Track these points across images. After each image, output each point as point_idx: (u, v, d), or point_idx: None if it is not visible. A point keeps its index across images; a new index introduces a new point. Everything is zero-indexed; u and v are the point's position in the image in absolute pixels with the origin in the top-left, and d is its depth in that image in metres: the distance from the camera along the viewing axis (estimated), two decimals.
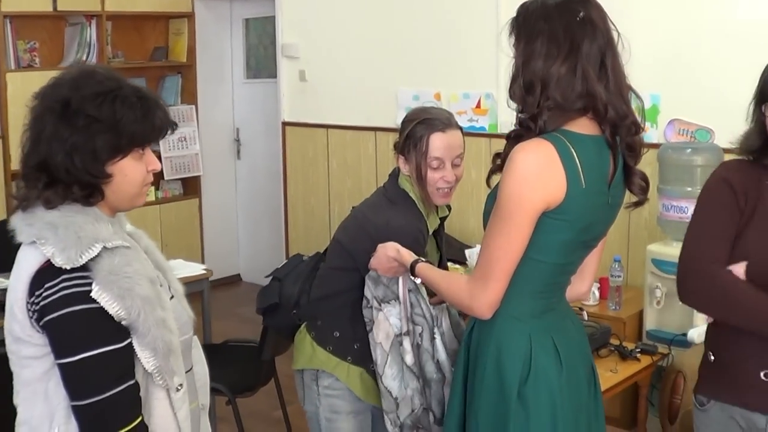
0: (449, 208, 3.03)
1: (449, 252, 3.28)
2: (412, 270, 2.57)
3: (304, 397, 3.03)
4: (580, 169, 2.17)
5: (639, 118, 2.27)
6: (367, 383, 2.91)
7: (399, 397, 2.71)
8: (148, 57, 7.20)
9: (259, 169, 7.57)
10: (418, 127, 2.83)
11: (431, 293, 2.64)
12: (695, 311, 4.04)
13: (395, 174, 2.94)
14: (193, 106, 7.25)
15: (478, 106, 5.64)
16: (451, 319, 2.72)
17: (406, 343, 2.69)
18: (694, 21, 4.70)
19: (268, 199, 7.38)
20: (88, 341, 1.90)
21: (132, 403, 1.96)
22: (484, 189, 5.26)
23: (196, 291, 4.54)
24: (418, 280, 2.58)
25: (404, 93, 5.97)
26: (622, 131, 2.23)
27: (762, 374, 2.39)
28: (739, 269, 2.36)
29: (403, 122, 2.91)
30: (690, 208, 4.27)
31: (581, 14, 2.17)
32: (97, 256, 1.91)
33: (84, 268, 1.90)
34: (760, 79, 2.42)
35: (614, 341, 3.95)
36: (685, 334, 4.01)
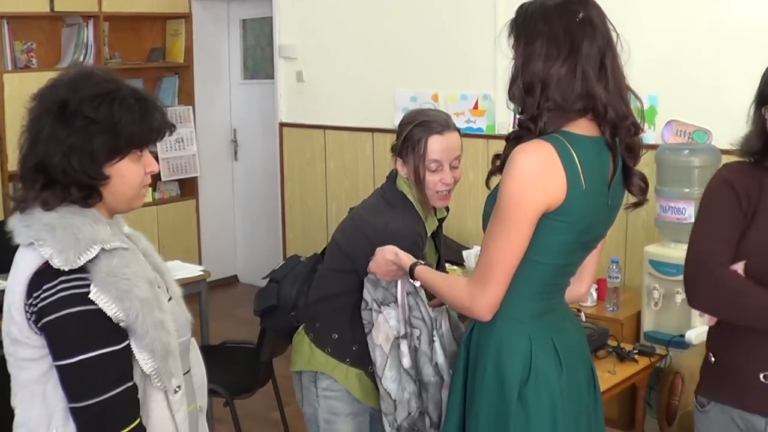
0: (447, 209, 3.03)
1: (447, 253, 3.27)
2: (411, 273, 2.56)
3: (302, 399, 3.03)
4: (580, 171, 2.16)
5: (638, 119, 2.27)
6: (365, 385, 2.90)
7: (397, 400, 2.71)
8: (145, 58, 7.20)
9: (257, 170, 7.56)
10: (415, 130, 2.83)
11: (431, 295, 2.63)
12: (693, 312, 4.05)
13: (393, 176, 2.93)
14: (190, 107, 7.25)
15: (476, 107, 5.63)
16: (450, 322, 2.72)
17: (404, 346, 2.69)
18: (692, 22, 4.70)
19: (265, 200, 7.38)
20: (87, 343, 1.89)
21: (130, 405, 1.95)
22: (481, 190, 5.30)
23: (194, 292, 4.53)
24: (417, 283, 2.58)
25: (402, 94, 5.97)
26: (621, 132, 2.23)
27: (762, 376, 2.39)
28: (737, 269, 2.37)
29: (401, 125, 2.90)
30: (688, 209, 4.30)
31: (581, 15, 2.16)
32: (95, 257, 1.91)
33: (82, 269, 1.89)
34: (760, 81, 2.42)
35: (612, 342, 3.95)
36: (682, 335, 4.01)
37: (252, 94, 7.55)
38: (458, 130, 2.90)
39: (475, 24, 5.54)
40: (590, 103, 2.17)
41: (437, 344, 2.67)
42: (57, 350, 1.91)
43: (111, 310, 1.90)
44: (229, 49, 7.63)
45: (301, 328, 3.02)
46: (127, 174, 2.02)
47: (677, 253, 4.28)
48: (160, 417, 2.03)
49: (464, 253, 5.13)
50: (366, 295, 2.76)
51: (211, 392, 3.48)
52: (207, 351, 2.89)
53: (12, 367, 2.02)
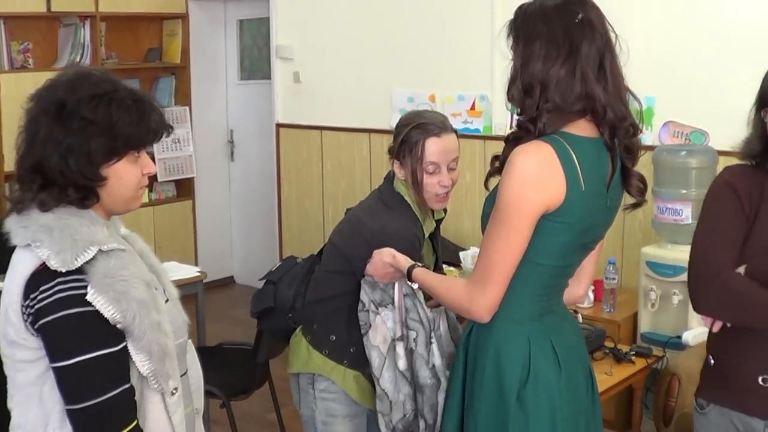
0: (445, 211, 3.02)
1: (444, 254, 3.27)
2: (408, 275, 2.56)
3: (299, 401, 3.02)
4: (579, 172, 2.16)
5: (636, 120, 2.27)
6: (363, 387, 2.90)
7: (393, 401, 2.71)
8: (141, 58, 7.19)
9: (253, 170, 7.56)
10: (413, 132, 2.82)
11: (429, 296, 2.63)
12: (690, 313, 4.05)
13: (390, 177, 2.92)
14: (187, 108, 7.24)
15: (473, 108, 5.63)
16: (449, 323, 2.71)
17: (399, 348, 2.69)
18: (689, 23, 4.71)
19: (261, 201, 7.37)
20: (83, 344, 1.89)
21: (127, 407, 1.95)
22: (478, 191, 5.31)
23: (190, 293, 4.53)
24: (416, 285, 2.58)
25: (399, 95, 5.97)
26: (620, 133, 2.23)
27: (760, 379, 2.39)
28: (740, 272, 2.37)
29: (398, 127, 2.89)
30: (685, 210, 4.30)
31: (580, 16, 2.16)
32: (92, 259, 1.90)
33: (79, 271, 1.89)
34: (761, 84, 2.41)
35: (609, 344, 3.95)
36: (679, 337, 4.01)
37: (249, 95, 7.54)
38: (455, 131, 2.90)
39: (472, 25, 5.54)
40: (589, 104, 2.17)
41: (435, 346, 2.67)
42: (54, 352, 1.90)
43: (108, 311, 1.89)
44: (226, 50, 7.62)
45: (298, 329, 3.01)
46: (124, 175, 2.02)
47: (674, 254, 4.30)
48: (157, 419, 2.03)
49: (461, 254, 5.13)
50: (363, 296, 2.76)
51: (208, 393, 3.47)
52: (203, 352, 2.88)
53: (8, 369, 2.01)
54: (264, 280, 3.15)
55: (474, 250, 4.78)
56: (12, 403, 2.02)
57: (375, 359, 2.72)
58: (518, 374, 2.28)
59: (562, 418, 2.29)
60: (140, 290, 1.96)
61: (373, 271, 2.69)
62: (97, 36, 6.59)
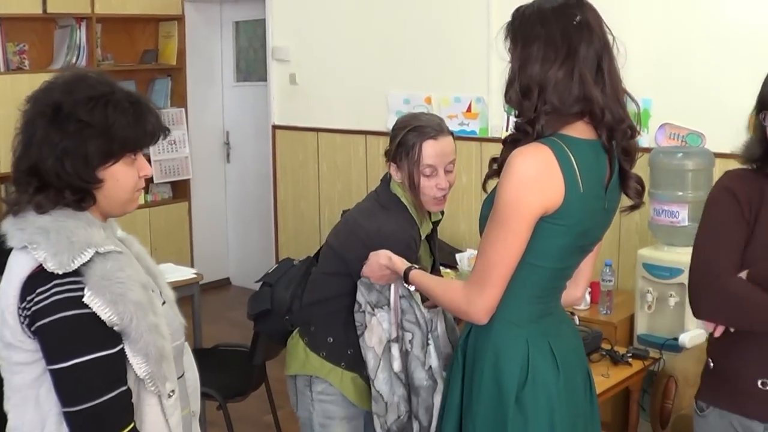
0: (442, 213, 3.02)
1: (440, 256, 3.27)
2: (405, 278, 2.56)
3: (297, 403, 3.02)
4: (578, 174, 2.16)
5: (634, 122, 2.27)
6: (360, 388, 2.90)
7: (388, 402, 2.71)
8: (137, 60, 7.18)
9: (249, 172, 7.55)
10: (409, 135, 2.82)
11: (426, 297, 2.63)
12: (686, 315, 4.05)
13: (387, 179, 2.92)
14: (183, 109, 7.23)
15: (469, 110, 5.63)
16: (446, 324, 2.71)
17: (394, 350, 2.69)
18: (685, 25, 4.71)
19: (257, 203, 7.36)
20: (80, 347, 1.88)
21: (124, 410, 1.94)
22: (474, 193, 5.31)
23: (186, 295, 4.53)
24: (412, 288, 2.57)
25: (395, 96, 5.97)
26: (618, 135, 2.23)
27: (759, 383, 2.39)
28: (741, 277, 2.36)
29: (394, 129, 2.89)
30: (681, 212, 4.30)
31: (578, 18, 2.16)
32: (89, 261, 1.90)
33: (76, 273, 1.88)
34: (761, 87, 2.41)
35: (605, 346, 3.95)
36: (676, 339, 4.01)
37: (245, 97, 7.54)
38: (452, 133, 2.90)
39: (468, 27, 5.54)
40: (587, 106, 2.17)
41: (432, 347, 2.66)
42: (50, 354, 1.90)
43: (105, 313, 1.89)
44: (222, 51, 7.61)
45: (295, 332, 3.01)
46: (120, 178, 2.02)
47: (671, 256, 4.30)
48: (154, 421, 2.03)
49: (457, 256, 5.11)
50: (359, 297, 2.76)
51: (204, 395, 3.46)
52: (200, 354, 2.88)
53: (5, 372, 2.01)
54: (261, 283, 3.14)
55: (470, 252, 4.77)
56: (8, 406, 2.02)
57: (370, 360, 2.73)
58: (517, 376, 2.28)
59: (561, 420, 2.29)
60: (137, 292, 1.96)
61: (369, 272, 2.69)
62: (93, 37, 6.58)
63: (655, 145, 4.75)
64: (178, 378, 2.14)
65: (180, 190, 7.36)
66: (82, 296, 1.87)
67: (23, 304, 1.89)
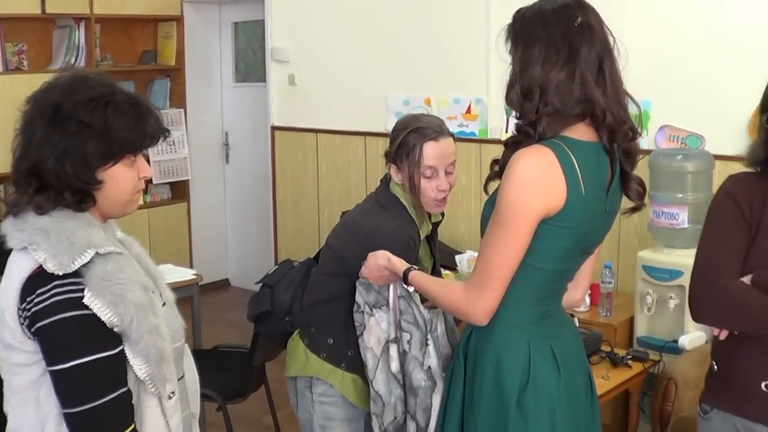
0: (442, 214, 3.01)
1: (440, 258, 3.26)
2: (405, 278, 2.56)
3: (297, 405, 3.01)
4: (579, 176, 2.16)
5: (635, 124, 2.27)
6: (360, 390, 2.89)
7: (386, 403, 2.71)
8: (136, 60, 7.18)
9: (248, 173, 7.55)
10: (410, 136, 2.81)
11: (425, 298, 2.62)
12: (686, 317, 4.04)
13: (386, 180, 2.92)
14: (182, 110, 7.23)
15: (468, 111, 5.62)
16: (446, 324, 2.71)
17: (393, 351, 2.69)
18: (685, 27, 4.70)
19: (256, 204, 7.36)
20: (80, 348, 1.88)
21: (124, 411, 1.94)
22: (474, 194, 5.30)
23: (186, 296, 4.52)
24: (412, 289, 2.57)
25: (394, 98, 5.96)
26: (619, 137, 2.22)
27: (763, 385, 2.39)
28: (744, 282, 2.36)
29: (394, 131, 2.89)
30: (681, 214, 4.29)
31: (579, 20, 2.16)
32: (89, 262, 1.90)
33: (76, 274, 1.88)
34: (765, 89, 2.40)
35: (605, 348, 3.95)
36: (676, 341, 4.01)
37: (244, 97, 7.53)
38: (452, 135, 2.89)
39: (468, 28, 5.53)
40: (589, 107, 2.16)
41: (431, 347, 2.65)
42: (50, 355, 1.89)
43: (105, 314, 1.88)
44: (221, 52, 7.61)
45: (295, 333, 3.00)
46: (120, 179, 2.01)
47: (670, 258, 4.29)
48: (154, 423, 2.03)
49: (457, 257, 5.11)
50: (358, 297, 2.76)
51: (204, 397, 3.46)
52: (199, 355, 2.88)
53: (5, 373, 2.00)
54: (260, 284, 3.14)
55: (470, 254, 4.77)
56: (8, 407, 2.02)
57: (369, 361, 2.72)
58: (518, 378, 2.27)
59: (562, 422, 2.29)
60: (137, 293, 1.95)
61: (367, 273, 2.69)
62: (92, 38, 6.58)
63: (654, 147, 4.75)
64: (178, 379, 2.14)
65: (179, 190, 7.36)
66: (82, 297, 1.87)
67: (23, 305, 1.89)
